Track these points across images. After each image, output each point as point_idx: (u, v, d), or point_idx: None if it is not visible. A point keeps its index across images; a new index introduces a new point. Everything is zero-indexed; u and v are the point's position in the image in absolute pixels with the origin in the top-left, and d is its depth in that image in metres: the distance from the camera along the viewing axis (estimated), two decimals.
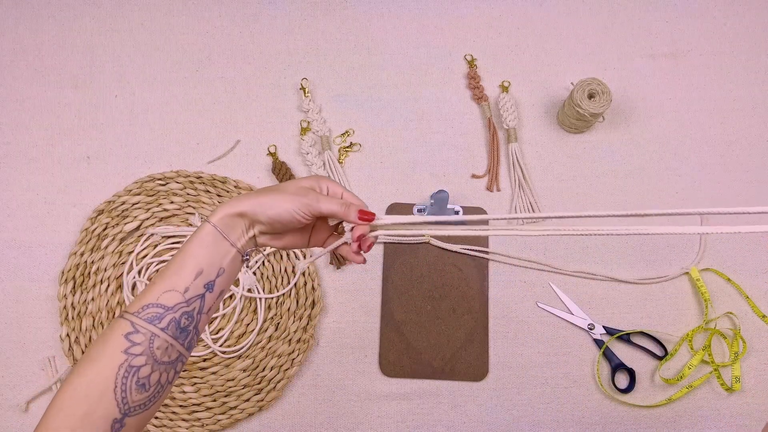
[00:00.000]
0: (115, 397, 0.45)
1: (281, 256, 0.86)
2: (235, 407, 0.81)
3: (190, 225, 0.86)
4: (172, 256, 0.49)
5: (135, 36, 0.96)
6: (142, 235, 0.86)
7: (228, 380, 0.81)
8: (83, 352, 0.81)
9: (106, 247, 0.85)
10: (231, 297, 0.85)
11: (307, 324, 0.83)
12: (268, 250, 0.86)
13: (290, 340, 0.83)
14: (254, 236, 0.53)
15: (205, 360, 0.83)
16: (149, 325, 0.47)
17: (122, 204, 0.87)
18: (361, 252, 0.55)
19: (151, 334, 0.47)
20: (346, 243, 0.56)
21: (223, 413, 0.80)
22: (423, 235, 0.87)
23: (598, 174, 0.91)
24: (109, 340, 0.47)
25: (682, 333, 0.85)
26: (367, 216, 0.54)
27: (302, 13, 0.98)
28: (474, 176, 0.91)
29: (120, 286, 0.84)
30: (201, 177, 0.88)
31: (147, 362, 0.47)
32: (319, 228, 0.57)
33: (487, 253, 0.87)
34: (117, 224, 0.86)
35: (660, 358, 0.84)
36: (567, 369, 0.84)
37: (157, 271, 0.85)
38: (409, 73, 0.96)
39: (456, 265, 0.86)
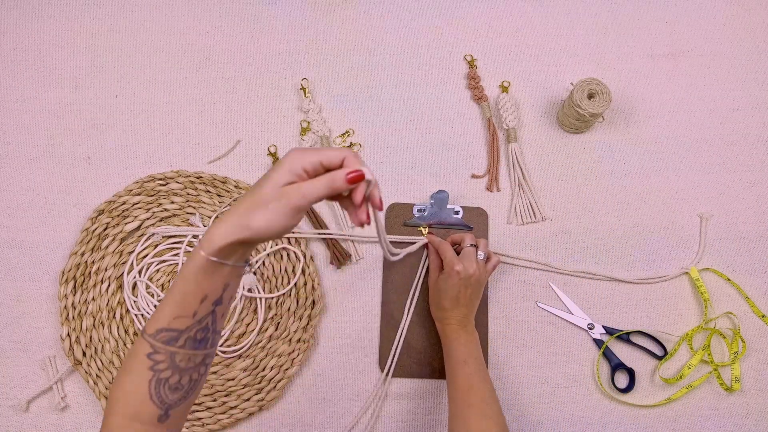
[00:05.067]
0: (153, 402, 0.51)
1: (281, 257, 0.86)
2: (235, 407, 0.81)
3: (191, 225, 0.86)
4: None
5: (135, 36, 0.96)
6: (142, 235, 0.86)
7: (228, 380, 0.82)
8: (84, 353, 0.81)
9: (107, 247, 0.85)
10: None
11: (307, 324, 0.83)
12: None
13: (290, 339, 0.83)
14: (252, 247, 0.53)
15: None
16: (166, 346, 0.51)
17: (123, 204, 0.87)
18: (368, 213, 0.55)
19: (171, 353, 0.51)
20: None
21: (223, 413, 0.80)
22: (422, 234, 0.87)
23: (598, 174, 0.91)
24: (136, 357, 0.51)
25: (681, 333, 0.85)
26: (354, 174, 0.52)
27: (302, 13, 0.98)
28: (474, 176, 0.91)
29: (120, 286, 0.85)
30: (201, 177, 0.89)
31: (173, 373, 0.51)
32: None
33: None
34: (117, 224, 0.86)
35: (660, 358, 0.84)
36: (567, 369, 0.84)
37: (158, 271, 0.85)
38: (409, 73, 0.96)
39: None
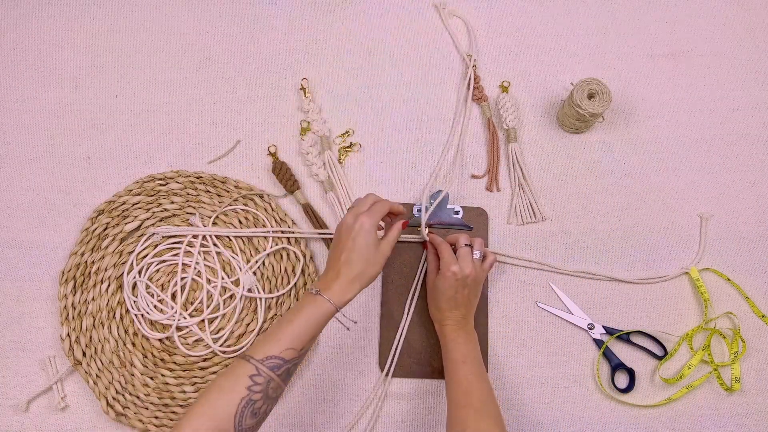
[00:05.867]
0: (234, 420, 0.59)
1: (281, 257, 0.86)
2: None
3: (191, 225, 0.86)
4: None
5: (135, 36, 0.96)
6: (142, 235, 0.86)
7: None
8: (84, 353, 0.82)
9: (107, 247, 0.85)
10: (231, 297, 0.85)
11: None
12: None
13: None
14: None
15: (205, 360, 0.83)
16: (270, 371, 0.62)
17: (122, 204, 0.87)
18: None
19: (270, 378, 0.61)
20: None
21: None
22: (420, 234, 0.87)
23: (597, 174, 0.91)
24: (236, 377, 0.60)
25: (681, 333, 0.85)
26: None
27: (302, 13, 0.98)
28: (474, 176, 0.91)
29: (120, 286, 0.85)
30: (201, 177, 0.89)
31: (261, 398, 0.61)
32: None
33: None
34: (117, 224, 0.86)
35: (660, 358, 0.84)
36: (567, 369, 0.84)
37: (158, 271, 0.85)
38: (409, 73, 0.96)
39: None
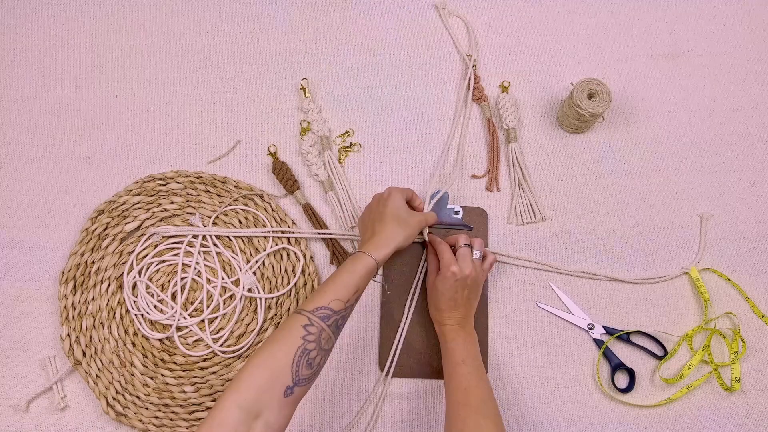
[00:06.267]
0: (291, 370, 0.61)
1: (281, 257, 0.86)
2: None
3: (191, 225, 0.86)
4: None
5: (135, 36, 0.96)
6: (142, 235, 0.86)
7: (228, 380, 0.82)
8: (84, 353, 0.82)
9: (107, 247, 0.85)
10: (231, 297, 0.85)
11: None
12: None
13: None
14: None
15: (205, 360, 0.83)
16: (321, 321, 0.65)
17: (122, 204, 0.87)
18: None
19: (321, 328, 0.65)
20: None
21: None
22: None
23: (597, 174, 0.91)
24: (290, 329, 0.64)
25: (681, 333, 0.85)
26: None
27: (302, 13, 0.98)
28: (474, 176, 0.91)
29: (120, 286, 0.85)
30: (201, 177, 0.89)
31: (315, 347, 0.64)
32: None
33: None
34: (117, 224, 0.86)
35: (660, 358, 0.84)
36: (567, 369, 0.84)
37: (158, 271, 0.85)
38: (409, 73, 0.96)
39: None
